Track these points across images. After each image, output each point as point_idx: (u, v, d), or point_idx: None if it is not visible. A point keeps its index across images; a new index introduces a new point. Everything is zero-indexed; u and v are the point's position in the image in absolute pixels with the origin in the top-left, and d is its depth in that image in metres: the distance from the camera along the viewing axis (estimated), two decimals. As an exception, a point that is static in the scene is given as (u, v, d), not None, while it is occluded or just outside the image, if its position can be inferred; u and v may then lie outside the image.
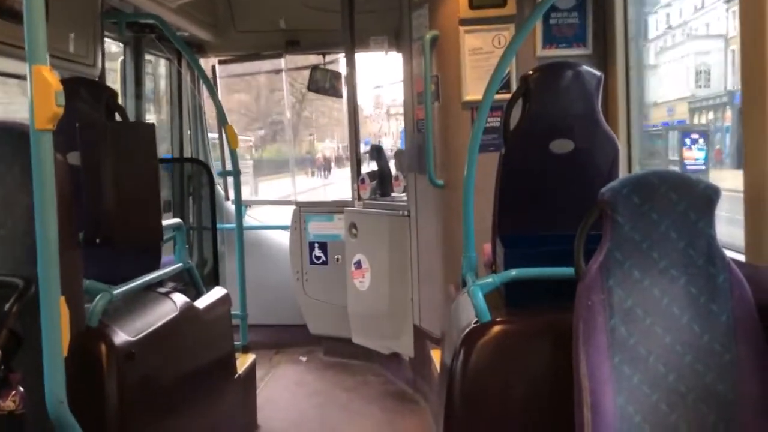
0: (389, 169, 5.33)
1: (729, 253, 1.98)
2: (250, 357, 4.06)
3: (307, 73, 5.65)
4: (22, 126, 2.03)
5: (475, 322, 2.31)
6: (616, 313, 1.89)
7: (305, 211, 5.38)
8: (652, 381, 1.87)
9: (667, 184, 1.93)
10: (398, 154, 5.45)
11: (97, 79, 3.50)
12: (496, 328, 2.28)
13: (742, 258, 2.17)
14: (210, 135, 6.02)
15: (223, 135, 5.05)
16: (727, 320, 1.90)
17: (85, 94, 2.94)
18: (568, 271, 2.11)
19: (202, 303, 3.22)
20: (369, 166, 5.36)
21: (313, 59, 5.71)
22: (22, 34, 1.64)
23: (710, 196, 1.93)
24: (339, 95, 5.61)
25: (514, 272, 2.39)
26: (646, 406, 1.86)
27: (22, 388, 1.75)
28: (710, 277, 1.91)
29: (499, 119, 3.46)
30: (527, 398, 2.24)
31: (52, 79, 1.58)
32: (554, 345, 2.18)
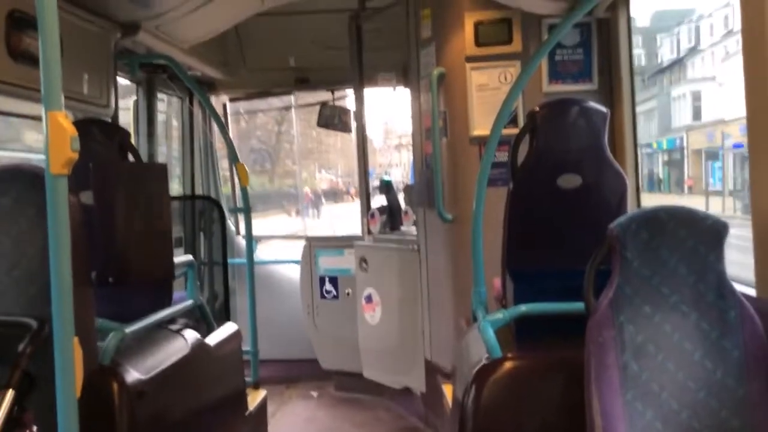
0: (398, 204, 5.35)
1: (739, 288, 1.98)
2: (261, 393, 4.05)
3: (316, 109, 5.73)
4: (36, 168, 2.07)
5: (487, 358, 2.31)
6: (627, 349, 1.89)
7: (316, 245, 5.39)
8: (666, 417, 1.86)
9: (675, 220, 1.94)
10: (407, 189, 5.48)
11: (110, 120, 3.55)
12: (508, 365, 2.28)
13: (752, 292, 2.17)
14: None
15: (234, 172, 5.10)
16: (740, 355, 1.89)
17: (98, 135, 2.99)
18: (578, 306, 2.11)
19: (213, 339, 3.22)
20: (375, 200, 5.36)
21: (323, 95, 5.78)
22: (37, 76, 1.68)
23: (719, 231, 1.94)
24: (348, 130, 5.67)
25: (524, 308, 2.39)
26: None
27: (35, 428, 1.76)
28: (721, 312, 1.91)
29: (506, 154, 3.49)
30: None
31: (67, 125, 1.62)
32: (566, 381, 2.17)
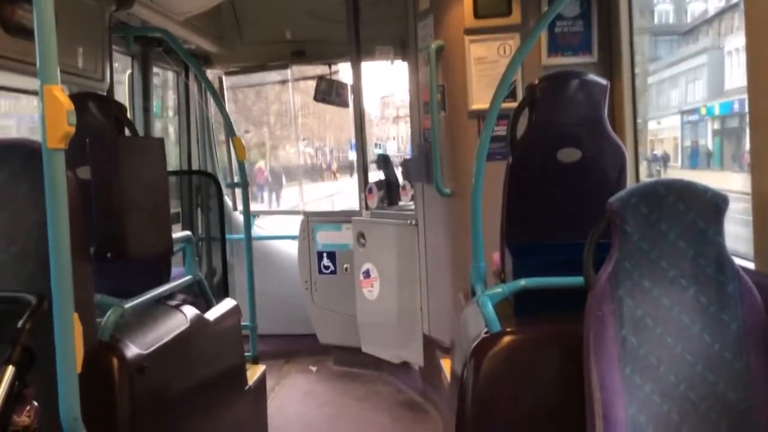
0: (396, 178, 5.34)
1: (738, 261, 1.98)
2: (261, 368, 4.07)
3: (313, 83, 5.69)
4: (32, 143, 2.05)
5: (485, 332, 2.32)
6: (626, 323, 1.89)
7: (313, 220, 5.39)
8: (664, 391, 1.87)
9: (674, 194, 1.93)
10: (405, 163, 5.46)
11: (105, 93, 3.52)
12: (507, 339, 2.28)
13: (751, 266, 2.17)
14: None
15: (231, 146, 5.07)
16: (738, 329, 1.89)
17: (94, 109, 2.96)
18: (577, 280, 2.11)
19: (212, 315, 3.23)
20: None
21: (320, 69, 5.74)
22: (32, 50, 1.66)
23: (718, 204, 1.93)
24: (345, 105, 5.64)
25: (523, 282, 2.39)
26: (658, 416, 1.86)
27: (36, 403, 1.76)
28: (720, 286, 1.91)
29: (505, 128, 3.47)
30: (538, 408, 2.24)
31: (63, 99, 1.60)
32: (565, 355, 2.18)
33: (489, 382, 2.25)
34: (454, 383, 2.69)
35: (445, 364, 3.62)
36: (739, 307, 1.90)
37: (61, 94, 1.61)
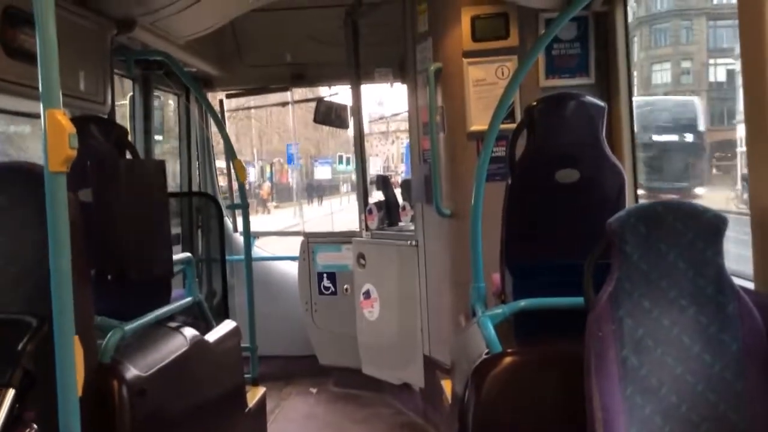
0: (396, 199, 5.35)
1: (738, 281, 1.99)
2: (261, 390, 4.05)
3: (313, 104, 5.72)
4: (34, 166, 2.06)
5: (486, 353, 2.31)
6: (626, 344, 1.89)
7: (313, 241, 5.39)
8: (665, 411, 1.86)
9: (673, 214, 1.94)
10: (405, 184, 5.48)
11: (107, 116, 3.54)
12: (507, 360, 2.28)
13: (751, 286, 2.17)
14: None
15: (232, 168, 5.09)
16: (738, 350, 1.89)
17: (95, 132, 2.98)
18: (577, 301, 2.11)
19: (212, 337, 3.22)
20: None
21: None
22: (34, 73, 1.67)
23: (717, 225, 1.94)
24: (345, 126, 5.67)
25: (523, 303, 2.40)
26: None
27: (36, 426, 1.76)
28: (720, 306, 1.92)
29: (504, 149, 3.49)
30: (539, 429, 2.23)
31: (65, 122, 1.61)
32: (565, 376, 2.17)
33: (490, 403, 2.24)
34: (455, 404, 2.68)
35: (446, 386, 3.61)
36: (739, 327, 1.91)
37: (63, 117, 1.62)
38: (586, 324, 1.95)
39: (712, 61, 21.17)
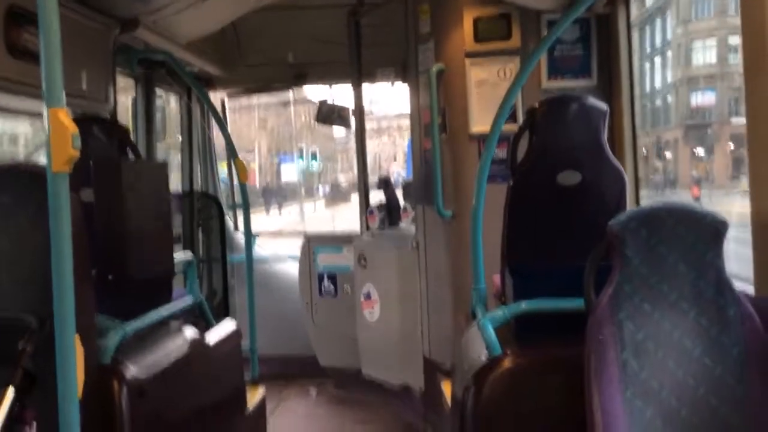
0: (397, 200, 5.35)
1: (738, 285, 1.99)
2: (260, 391, 4.05)
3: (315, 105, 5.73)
4: (35, 167, 2.06)
5: (486, 356, 2.31)
6: (627, 347, 1.89)
7: (314, 242, 5.39)
8: (666, 415, 1.86)
9: (674, 218, 1.94)
10: (406, 186, 5.48)
11: (109, 116, 3.55)
12: (508, 362, 2.28)
13: (751, 290, 2.17)
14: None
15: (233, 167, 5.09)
16: (739, 353, 1.89)
17: (98, 132, 2.98)
18: (578, 303, 2.11)
19: (212, 337, 3.22)
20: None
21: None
22: (36, 72, 1.67)
23: (717, 228, 1.94)
24: (348, 126, 5.68)
25: (524, 305, 2.40)
26: None
27: (36, 425, 1.76)
28: (720, 309, 1.92)
29: (506, 151, 3.49)
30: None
31: (68, 122, 1.61)
32: (565, 378, 2.17)
33: (490, 405, 2.24)
34: (455, 407, 2.68)
35: (446, 388, 3.61)
36: (740, 330, 1.90)
37: (66, 117, 1.62)
38: (587, 327, 1.95)
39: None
